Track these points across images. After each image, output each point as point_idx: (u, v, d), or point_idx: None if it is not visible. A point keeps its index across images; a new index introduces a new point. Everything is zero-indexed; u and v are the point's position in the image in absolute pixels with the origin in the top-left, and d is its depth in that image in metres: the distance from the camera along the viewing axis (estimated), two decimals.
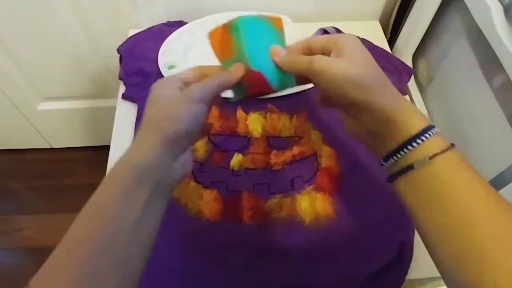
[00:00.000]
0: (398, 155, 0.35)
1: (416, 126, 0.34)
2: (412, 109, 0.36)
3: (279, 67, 0.40)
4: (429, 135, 0.34)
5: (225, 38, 0.42)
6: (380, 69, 0.37)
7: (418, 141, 0.34)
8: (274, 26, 0.43)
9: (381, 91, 0.35)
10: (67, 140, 1.29)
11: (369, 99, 0.35)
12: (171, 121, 0.35)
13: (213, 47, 0.44)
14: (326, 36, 0.41)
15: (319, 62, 0.36)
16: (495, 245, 0.30)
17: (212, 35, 0.43)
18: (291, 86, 0.42)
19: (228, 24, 0.42)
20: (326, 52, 0.38)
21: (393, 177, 0.36)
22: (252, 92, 0.41)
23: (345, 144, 0.61)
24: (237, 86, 0.41)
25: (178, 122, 0.36)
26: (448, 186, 0.33)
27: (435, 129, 0.34)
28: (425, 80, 0.76)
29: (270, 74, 0.40)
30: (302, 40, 0.41)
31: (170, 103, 0.36)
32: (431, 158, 0.33)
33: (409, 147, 0.34)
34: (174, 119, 0.36)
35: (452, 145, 0.34)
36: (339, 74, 0.35)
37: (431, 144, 0.34)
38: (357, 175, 0.59)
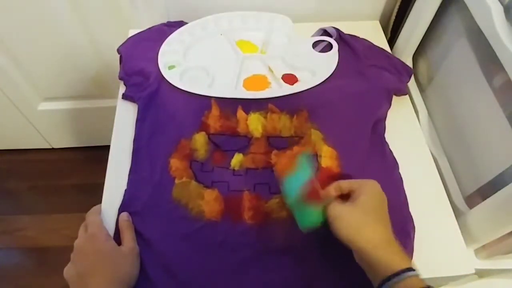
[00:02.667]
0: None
1: (395, 266, 0.42)
2: (395, 250, 0.45)
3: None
4: (405, 276, 0.41)
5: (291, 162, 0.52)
6: (384, 215, 0.48)
7: (395, 279, 0.41)
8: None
9: (369, 236, 0.45)
10: (67, 140, 1.29)
11: (354, 239, 0.45)
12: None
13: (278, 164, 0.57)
14: (354, 181, 0.50)
15: (333, 210, 0.47)
16: None
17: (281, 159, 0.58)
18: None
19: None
20: (351, 192, 0.48)
21: None
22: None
23: (345, 144, 0.61)
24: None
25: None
26: None
27: (413, 272, 0.42)
28: (425, 80, 0.76)
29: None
30: (334, 183, 0.50)
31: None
32: None
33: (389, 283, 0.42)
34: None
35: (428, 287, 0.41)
36: (345, 218, 0.46)
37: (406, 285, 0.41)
38: (357, 175, 0.59)
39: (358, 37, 0.75)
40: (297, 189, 0.50)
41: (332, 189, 0.49)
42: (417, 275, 0.42)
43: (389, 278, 0.42)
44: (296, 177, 0.51)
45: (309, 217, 0.49)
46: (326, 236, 0.54)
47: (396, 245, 0.45)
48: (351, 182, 0.49)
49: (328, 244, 0.54)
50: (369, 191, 0.48)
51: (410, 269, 0.42)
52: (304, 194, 0.49)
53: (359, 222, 0.46)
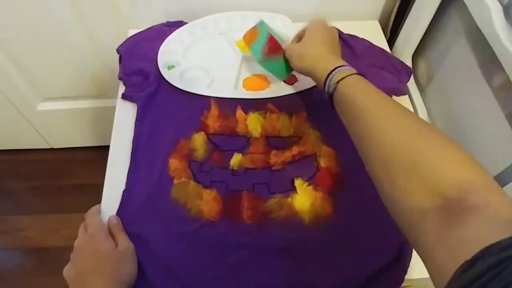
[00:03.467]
0: (325, 88, 0.51)
1: (330, 66, 0.51)
2: (333, 59, 0.54)
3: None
4: (337, 70, 0.50)
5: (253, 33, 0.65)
6: (328, 47, 0.58)
7: (330, 75, 0.50)
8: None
9: (313, 60, 0.56)
10: (67, 140, 1.29)
11: (302, 66, 0.58)
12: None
13: (245, 39, 0.67)
14: (305, 25, 0.62)
15: (288, 49, 0.62)
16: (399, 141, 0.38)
17: (245, 34, 0.67)
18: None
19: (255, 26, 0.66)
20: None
21: (330, 102, 0.51)
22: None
23: (344, 143, 0.61)
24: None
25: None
26: (354, 99, 0.46)
27: (344, 67, 0.51)
28: (424, 80, 0.76)
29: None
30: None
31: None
32: (337, 82, 0.49)
33: (327, 80, 0.51)
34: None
35: (357, 74, 0.50)
36: (293, 52, 0.60)
37: (337, 75, 0.50)
38: (356, 174, 0.59)
39: (358, 37, 0.75)
40: (260, 49, 0.63)
41: (293, 38, 0.63)
42: (348, 68, 0.51)
43: (328, 76, 0.51)
44: (258, 41, 0.63)
45: (278, 67, 0.64)
46: (325, 236, 0.55)
47: (335, 56, 0.56)
48: (303, 28, 0.62)
49: (327, 244, 0.54)
50: (313, 28, 0.60)
51: (342, 65, 0.51)
52: (266, 51, 0.63)
53: (308, 52, 0.57)
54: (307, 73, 0.57)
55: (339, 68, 0.50)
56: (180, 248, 0.54)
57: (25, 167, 1.31)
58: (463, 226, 0.29)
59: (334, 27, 0.65)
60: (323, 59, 0.55)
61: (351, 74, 0.49)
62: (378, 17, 0.85)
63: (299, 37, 0.62)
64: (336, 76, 0.50)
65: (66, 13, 0.84)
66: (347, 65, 0.51)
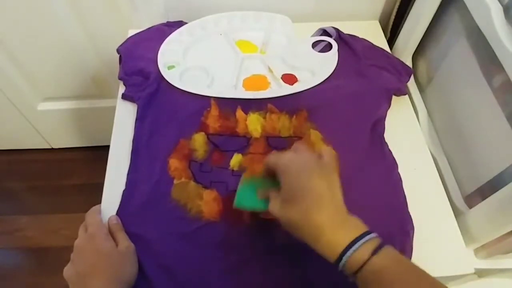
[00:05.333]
0: (339, 265, 0.40)
1: (341, 240, 0.40)
2: (340, 225, 0.41)
3: None
4: (355, 247, 0.39)
5: None
6: (326, 205, 0.42)
7: (347, 253, 0.39)
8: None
9: (311, 233, 0.41)
10: (67, 140, 1.29)
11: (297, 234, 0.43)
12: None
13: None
14: (272, 162, 0.46)
15: (272, 212, 0.44)
16: None
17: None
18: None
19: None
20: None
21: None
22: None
23: (344, 144, 0.61)
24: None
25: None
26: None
27: (362, 240, 0.39)
28: (424, 80, 0.76)
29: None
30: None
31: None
32: (355, 273, 0.39)
33: (340, 264, 0.39)
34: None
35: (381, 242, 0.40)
36: (280, 218, 0.44)
37: (353, 263, 0.39)
38: (357, 174, 0.59)
39: (358, 37, 0.75)
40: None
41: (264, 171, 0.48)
42: (363, 243, 0.39)
43: (339, 261, 0.39)
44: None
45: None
46: None
47: (340, 215, 0.43)
48: (269, 164, 0.46)
49: None
50: (293, 171, 0.43)
51: (352, 242, 0.39)
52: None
53: (296, 219, 0.41)
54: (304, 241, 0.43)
55: (356, 245, 0.39)
56: (180, 248, 0.53)
57: (25, 167, 1.31)
58: None
59: (328, 149, 0.50)
60: (327, 229, 0.41)
61: (376, 250, 0.39)
62: (378, 17, 0.85)
63: (270, 172, 0.46)
64: (357, 256, 0.39)
65: (66, 13, 0.84)
66: (364, 235, 0.40)
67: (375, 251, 0.39)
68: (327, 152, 0.46)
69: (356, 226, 0.41)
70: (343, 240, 0.40)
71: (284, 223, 0.43)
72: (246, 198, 0.48)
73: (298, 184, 0.42)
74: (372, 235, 0.40)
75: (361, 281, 0.39)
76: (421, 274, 0.39)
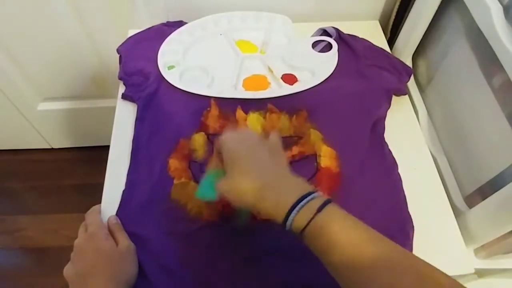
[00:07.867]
0: (286, 225, 0.41)
1: (284, 201, 0.40)
2: (283, 187, 0.42)
3: None
4: (299, 206, 0.40)
5: None
6: (266, 170, 0.43)
7: (292, 213, 0.40)
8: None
9: (256, 196, 0.42)
10: (67, 140, 1.29)
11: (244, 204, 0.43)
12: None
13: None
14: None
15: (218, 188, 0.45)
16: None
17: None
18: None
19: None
20: None
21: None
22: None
23: (344, 144, 0.61)
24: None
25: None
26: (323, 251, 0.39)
27: (304, 199, 0.40)
28: (424, 80, 0.76)
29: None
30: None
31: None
32: (301, 232, 0.40)
33: (287, 224, 0.40)
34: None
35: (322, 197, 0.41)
36: (225, 192, 0.44)
37: (299, 221, 0.40)
38: (357, 174, 0.59)
39: (358, 37, 0.75)
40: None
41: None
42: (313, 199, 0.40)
43: (286, 221, 0.40)
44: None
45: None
46: None
47: (283, 178, 0.43)
48: (216, 147, 0.47)
49: None
50: (231, 148, 0.44)
51: (297, 202, 0.40)
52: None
53: (235, 183, 0.42)
54: (255, 210, 0.45)
55: (300, 204, 0.40)
56: (180, 248, 0.53)
57: (25, 167, 1.31)
58: None
59: (274, 133, 0.49)
60: (270, 191, 0.41)
61: (320, 208, 0.40)
62: (378, 17, 0.85)
63: (221, 158, 0.46)
64: (303, 214, 0.40)
65: (66, 13, 0.84)
66: (308, 194, 0.41)
67: (319, 209, 0.39)
68: (273, 134, 0.48)
69: (301, 186, 0.42)
70: (289, 201, 0.40)
71: (230, 195, 0.43)
72: (206, 189, 0.49)
73: (237, 154, 0.43)
74: (317, 194, 0.41)
75: (307, 238, 0.40)
76: (366, 228, 0.40)
